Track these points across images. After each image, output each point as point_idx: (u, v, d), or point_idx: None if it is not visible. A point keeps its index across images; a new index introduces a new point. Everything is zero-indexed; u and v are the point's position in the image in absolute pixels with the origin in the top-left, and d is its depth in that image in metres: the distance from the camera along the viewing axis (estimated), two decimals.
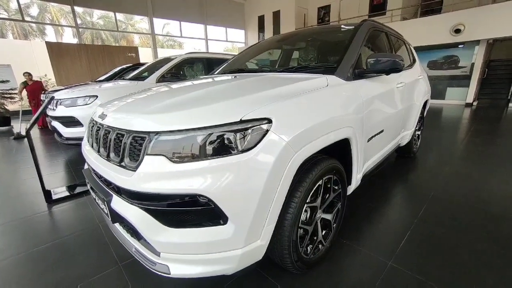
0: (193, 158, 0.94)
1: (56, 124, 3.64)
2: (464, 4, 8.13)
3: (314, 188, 1.24)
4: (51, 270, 1.49)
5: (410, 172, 2.84)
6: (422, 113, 3.11)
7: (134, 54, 10.88)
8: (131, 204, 1.03)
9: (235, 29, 15.29)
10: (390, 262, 1.46)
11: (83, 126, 3.43)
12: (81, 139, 1.74)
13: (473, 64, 8.41)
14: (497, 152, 3.42)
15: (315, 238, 1.40)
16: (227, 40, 15.37)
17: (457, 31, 7.69)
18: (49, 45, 8.86)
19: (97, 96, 3.49)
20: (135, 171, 0.98)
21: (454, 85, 9.00)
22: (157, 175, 0.94)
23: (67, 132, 3.53)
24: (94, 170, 1.30)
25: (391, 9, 9.75)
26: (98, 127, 1.29)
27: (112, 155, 1.13)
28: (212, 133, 0.95)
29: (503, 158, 3.17)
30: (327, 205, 1.43)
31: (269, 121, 1.01)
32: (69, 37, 11.30)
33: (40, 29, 11.63)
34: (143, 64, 5.00)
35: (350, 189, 1.65)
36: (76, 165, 3.40)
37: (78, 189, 2.55)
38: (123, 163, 1.06)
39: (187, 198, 0.95)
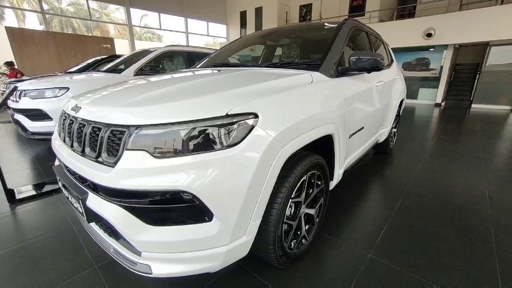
0: (177, 153, 0.90)
1: (20, 117, 3.34)
2: (435, 10, 8.64)
3: (299, 184, 1.25)
4: (14, 275, 1.36)
5: (387, 168, 2.98)
6: (398, 111, 3.27)
7: (109, 45, 10.30)
8: (110, 202, 0.97)
9: (217, 23, 15.00)
10: (370, 254, 1.52)
11: (52, 120, 3.19)
12: (49, 133, 1.61)
13: (442, 67, 8.98)
14: (462, 150, 3.70)
15: (299, 233, 1.42)
16: (209, 34, 15.05)
17: (429, 35, 8.16)
18: (10, 30, 8.08)
19: (68, 88, 3.25)
20: (113, 167, 0.92)
21: (425, 86, 9.56)
22: (137, 171, 0.89)
23: (33, 126, 3.26)
24: (66, 167, 1.20)
25: (370, 11, 10.10)
26: (71, 120, 1.20)
27: (87, 150, 1.05)
28: (196, 128, 0.92)
29: (466, 155, 3.44)
30: (311, 200, 1.46)
31: (256, 116, 0.99)
32: (33, 23, 10.36)
33: None
34: (119, 56, 4.74)
35: (332, 184, 1.69)
36: (44, 162, 3.15)
37: (47, 188, 2.36)
38: (100, 159, 0.99)
39: (169, 195, 0.91)
